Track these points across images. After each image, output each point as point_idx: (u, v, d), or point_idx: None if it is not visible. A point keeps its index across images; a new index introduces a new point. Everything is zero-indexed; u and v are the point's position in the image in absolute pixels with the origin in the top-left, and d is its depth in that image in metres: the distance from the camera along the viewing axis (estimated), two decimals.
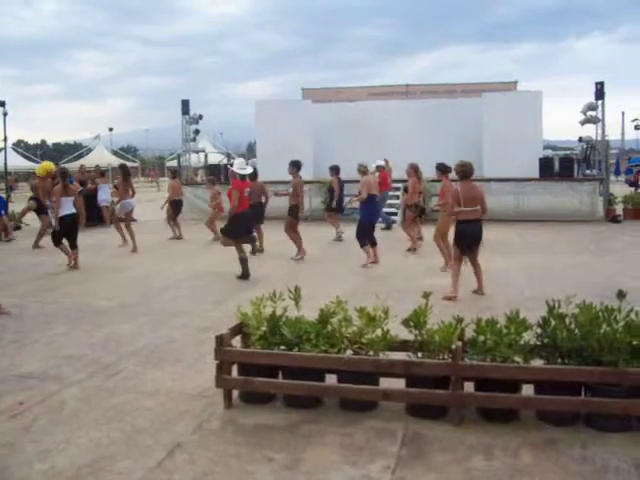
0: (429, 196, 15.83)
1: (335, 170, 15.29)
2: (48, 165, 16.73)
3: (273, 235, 13.57)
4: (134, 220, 21.00)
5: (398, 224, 17.91)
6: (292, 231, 12.57)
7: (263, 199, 13.94)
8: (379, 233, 12.21)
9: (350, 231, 14.13)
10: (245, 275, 10.38)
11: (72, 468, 4.09)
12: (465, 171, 8.94)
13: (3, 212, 16.93)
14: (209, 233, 15.72)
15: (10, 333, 7.38)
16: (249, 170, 10.89)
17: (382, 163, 16.35)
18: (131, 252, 13.93)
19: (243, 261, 10.43)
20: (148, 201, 28.31)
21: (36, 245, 15.01)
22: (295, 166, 12.74)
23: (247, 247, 11.22)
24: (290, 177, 12.92)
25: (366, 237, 11.70)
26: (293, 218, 12.61)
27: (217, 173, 21.69)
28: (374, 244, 11.79)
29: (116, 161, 42.54)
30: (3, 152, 24.62)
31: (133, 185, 15.30)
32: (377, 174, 15.11)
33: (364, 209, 11.81)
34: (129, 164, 55.36)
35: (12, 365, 6.24)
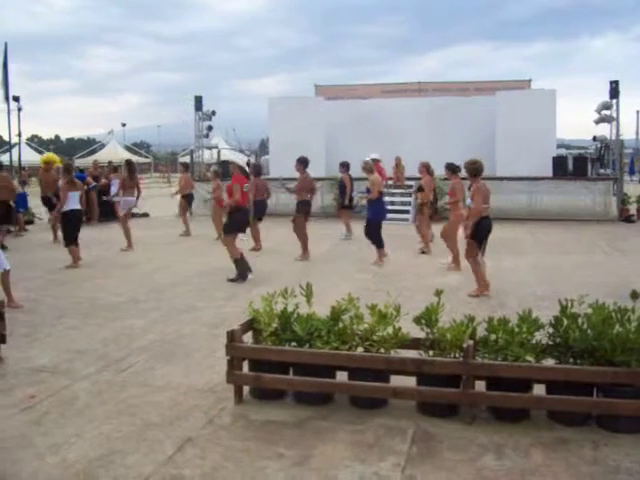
0: (441, 195, 15.76)
1: (346, 166, 15.23)
2: (49, 156, 16.67)
3: (282, 233, 13.54)
4: (146, 215, 21.12)
5: (410, 222, 17.88)
6: (300, 227, 12.39)
7: (265, 195, 13.85)
8: (388, 230, 12.12)
9: (358, 229, 14.11)
10: (240, 276, 10.05)
11: (83, 461, 4.11)
12: (476, 168, 8.92)
13: (21, 209, 17.07)
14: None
15: (22, 327, 7.41)
16: (246, 169, 10.74)
17: (377, 156, 16.27)
18: (123, 250, 13.71)
19: (237, 262, 10.12)
20: (160, 196, 28.38)
21: (56, 238, 15.16)
22: (302, 163, 12.53)
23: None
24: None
25: (376, 236, 11.57)
26: (302, 215, 12.44)
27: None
28: (380, 245, 11.56)
29: (129, 156, 42.67)
30: (17, 147, 24.77)
31: (139, 182, 15.16)
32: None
33: (372, 207, 11.68)
34: (142, 160, 55.34)
35: (24, 358, 6.28)
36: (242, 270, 10.08)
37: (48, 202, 15.99)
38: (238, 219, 10.23)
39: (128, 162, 15.13)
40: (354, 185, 15.42)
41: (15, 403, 5.11)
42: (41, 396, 5.26)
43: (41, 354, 6.42)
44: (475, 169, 8.92)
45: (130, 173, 14.47)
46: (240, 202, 10.13)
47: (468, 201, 9.15)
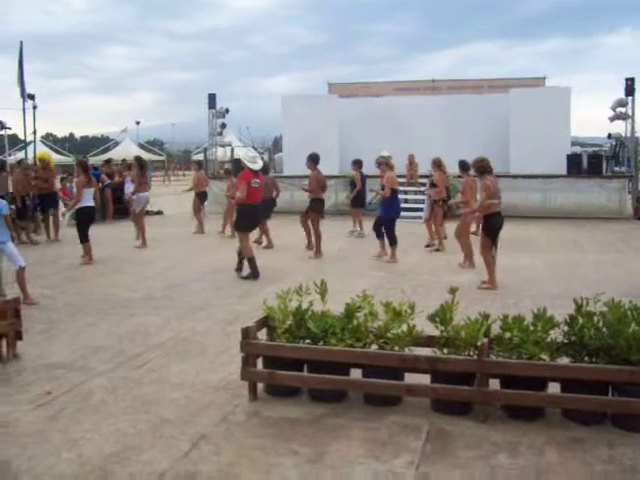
0: (454, 192, 15.73)
1: (358, 164, 15.22)
2: (45, 154, 16.55)
3: (297, 230, 13.52)
4: (160, 213, 21.20)
5: (423, 220, 17.84)
6: (314, 225, 12.31)
7: (274, 193, 13.87)
8: (402, 228, 12.09)
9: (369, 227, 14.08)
10: (253, 274, 10.06)
11: (99, 457, 4.13)
12: (482, 166, 9.13)
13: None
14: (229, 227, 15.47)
15: (38, 323, 7.47)
16: (259, 165, 10.57)
17: (387, 153, 16.24)
18: (137, 247, 13.79)
19: (250, 260, 10.14)
20: (174, 194, 28.48)
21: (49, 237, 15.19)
22: (312, 160, 12.43)
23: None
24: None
25: (385, 234, 11.56)
26: (316, 213, 12.38)
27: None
28: (394, 242, 11.58)
29: (143, 154, 42.77)
30: (32, 145, 24.88)
31: (148, 178, 15.18)
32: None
33: (384, 205, 11.66)
34: (156, 157, 55.42)
35: (40, 355, 6.32)
36: (254, 268, 10.10)
37: (46, 200, 15.43)
38: (247, 215, 10.20)
39: (138, 159, 15.01)
40: (366, 183, 15.41)
41: (32, 399, 5.15)
42: (57, 392, 5.30)
43: (57, 350, 6.47)
44: (481, 167, 9.15)
45: (141, 169, 14.45)
46: (246, 200, 10.03)
47: (479, 198, 9.24)
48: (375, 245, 11.93)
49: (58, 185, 15.74)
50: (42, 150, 21.04)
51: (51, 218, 15.48)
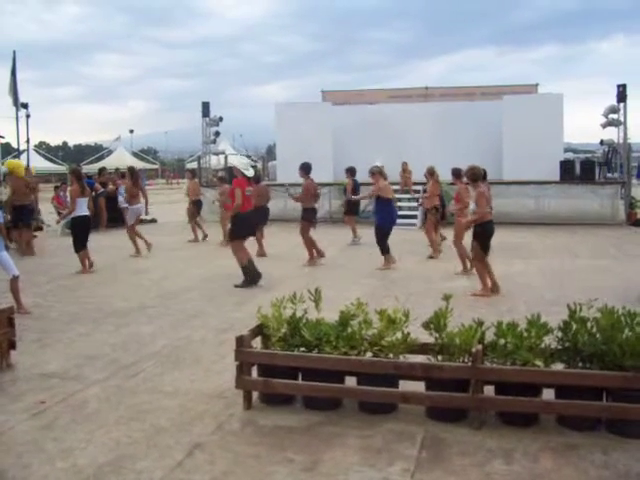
0: (448, 199, 15.76)
1: (351, 172, 15.25)
2: (15, 162, 16.07)
3: (291, 238, 13.56)
4: (154, 221, 21.18)
5: (418, 227, 17.88)
6: (305, 235, 12.39)
7: (265, 201, 13.90)
8: (395, 236, 12.10)
9: (367, 234, 14.08)
10: (247, 282, 10.04)
11: (93, 466, 4.12)
12: (475, 174, 9.24)
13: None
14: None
15: (32, 332, 7.44)
16: (251, 172, 10.69)
17: (379, 164, 16.31)
18: (132, 255, 13.79)
19: (245, 269, 10.13)
20: (169, 203, 28.46)
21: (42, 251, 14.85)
22: (304, 169, 12.47)
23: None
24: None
25: (382, 242, 11.54)
26: (306, 222, 12.42)
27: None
28: (387, 251, 11.56)
29: (136, 163, 42.76)
30: (25, 154, 24.85)
31: (144, 188, 15.18)
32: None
33: (379, 213, 11.67)
34: (149, 166, 55.34)
35: (34, 364, 6.30)
36: (250, 276, 10.08)
37: (21, 212, 14.34)
38: (242, 224, 10.19)
39: (130, 170, 14.99)
40: (360, 190, 15.41)
41: (26, 408, 5.13)
42: (51, 401, 5.28)
43: (51, 360, 6.45)
44: (474, 174, 9.25)
45: (133, 180, 14.45)
46: (242, 207, 10.05)
47: (472, 206, 9.27)
48: (368, 252, 11.92)
49: (31, 197, 15.10)
50: (9, 159, 20.25)
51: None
